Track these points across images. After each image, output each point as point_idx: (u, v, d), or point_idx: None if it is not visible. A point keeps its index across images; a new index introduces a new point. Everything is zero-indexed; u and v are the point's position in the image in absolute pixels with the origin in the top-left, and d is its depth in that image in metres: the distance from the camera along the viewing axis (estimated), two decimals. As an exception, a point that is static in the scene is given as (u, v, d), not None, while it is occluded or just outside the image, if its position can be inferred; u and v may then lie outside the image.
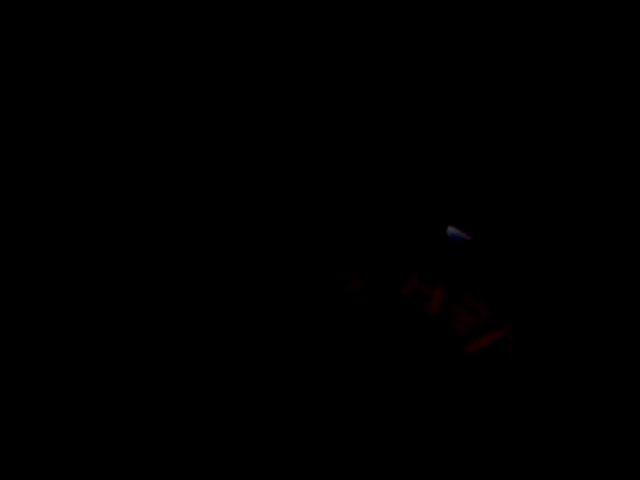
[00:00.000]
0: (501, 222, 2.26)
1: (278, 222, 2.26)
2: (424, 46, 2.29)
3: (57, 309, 2.13)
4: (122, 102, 2.28)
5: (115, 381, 2.07)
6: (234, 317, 2.16)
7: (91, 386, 2.06)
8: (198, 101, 2.30)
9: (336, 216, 2.27)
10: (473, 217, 2.27)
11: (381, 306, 2.17)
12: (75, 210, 2.23)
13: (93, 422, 2.01)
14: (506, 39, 2.27)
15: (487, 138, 2.29)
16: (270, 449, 2.00)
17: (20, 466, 1.95)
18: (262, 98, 2.31)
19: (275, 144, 2.31)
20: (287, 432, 2.02)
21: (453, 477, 2.00)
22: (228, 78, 2.31)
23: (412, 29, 2.29)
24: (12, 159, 2.23)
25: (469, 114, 2.30)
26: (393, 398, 2.07)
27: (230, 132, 2.31)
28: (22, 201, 2.22)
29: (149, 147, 2.28)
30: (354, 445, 2.01)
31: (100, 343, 2.11)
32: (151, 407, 2.04)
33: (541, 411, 2.07)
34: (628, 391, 2.09)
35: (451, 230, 2.25)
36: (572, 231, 2.24)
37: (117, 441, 1.99)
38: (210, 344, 2.13)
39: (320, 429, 2.03)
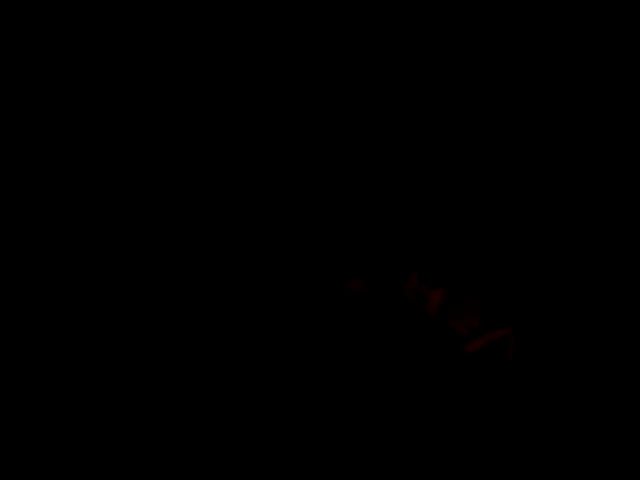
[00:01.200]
0: (501, 222, 2.26)
1: (278, 223, 2.27)
2: (424, 46, 2.29)
3: (57, 309, 2.14)
4: (122, 103, 2.29)
5: (115, 381, 2.07)
6: (235, 317, 2.16)
7: (91, 386, 2.06)
8: (198, 102, 2.31)
9: (336, 216, 2.27)
10: (473, 217, 2.27)
11: (381, 306, 2.17)
12: (75, 210, 2.23)
13: (93, 421, 2.01)
14: (506, 39, 2.27)
15: (487, 139, 2.29)
16: (270, 448, 2.00)
17: (20, 466, 1.95)
18: (262, 99, 2.31)
19: (275, 145, 2.31)
20: (287, 431, 2.02)
21: (453, 477, 2.00)
22: (228, 79, 2.31)
23: (412, 29, 2.29)
24: (12, 159, 2.23)
25: (469, 115, 2.30)
26: (393, 397, 2.07)
27: (230, 133, 2.31)
28: (22, 202, 2.22)
29: (149, 148, 2.29)
30: (354, 444, 2.01)
31: (100, 343, 2.11)
32: (151, 406, 2.04)
33: (541, 411, 2.07)
34: (628, 391, 2.09)
35: (451, 230, 2.25)
36: (572, 232, 2.24)
37: (117, 440, 1.99)
38: (211, 343, 2.13)
39: (320, 428, 2.03)
